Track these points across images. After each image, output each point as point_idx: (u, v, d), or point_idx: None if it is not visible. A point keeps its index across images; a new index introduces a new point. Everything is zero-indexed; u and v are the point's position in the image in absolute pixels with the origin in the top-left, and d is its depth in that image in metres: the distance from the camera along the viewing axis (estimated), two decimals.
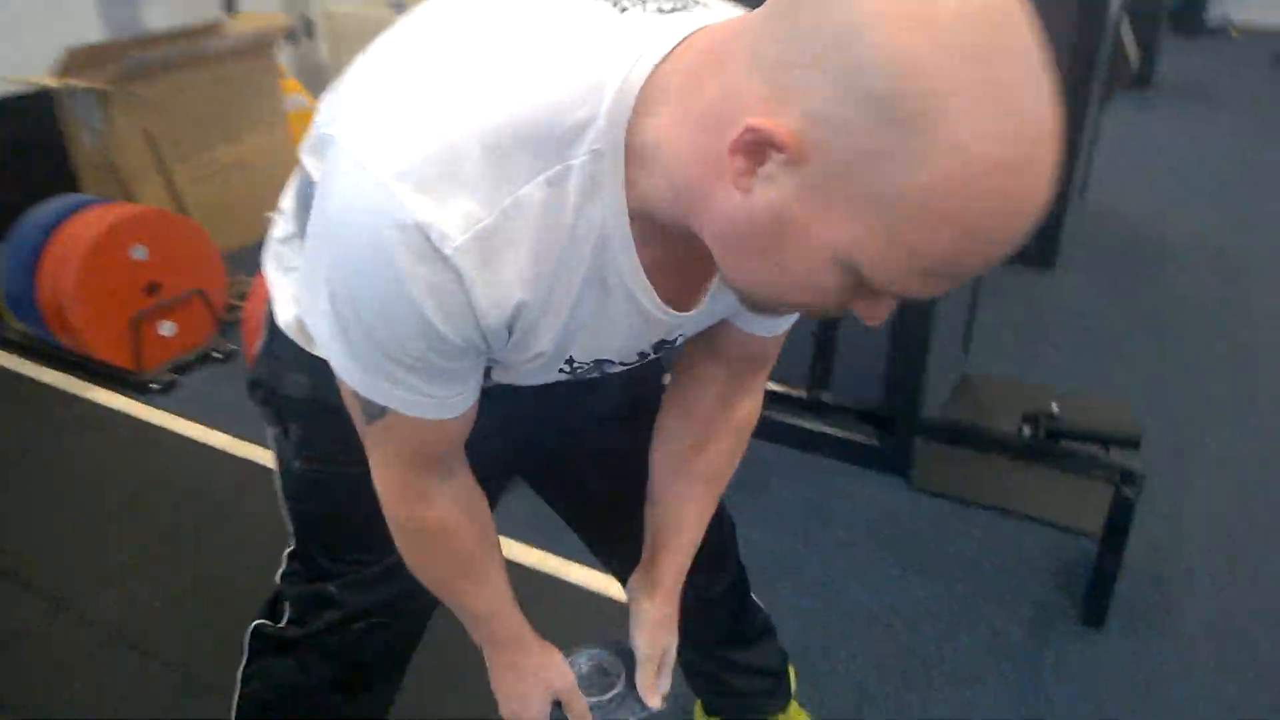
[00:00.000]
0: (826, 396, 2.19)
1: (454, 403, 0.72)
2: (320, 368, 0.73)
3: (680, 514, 0.99)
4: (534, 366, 0.72)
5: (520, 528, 1.67)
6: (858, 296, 0.58)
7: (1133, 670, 1.63)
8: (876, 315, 0.60)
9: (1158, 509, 1.96)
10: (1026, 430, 1.93)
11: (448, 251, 0.58)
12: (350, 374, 0.69)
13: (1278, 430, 2.34)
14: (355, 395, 0.71)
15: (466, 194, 0.58)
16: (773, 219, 0.54)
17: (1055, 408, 1.93)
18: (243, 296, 2.63)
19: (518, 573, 1.74)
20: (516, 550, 1.83)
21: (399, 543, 0.84)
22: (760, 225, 0.55)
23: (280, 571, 1.05)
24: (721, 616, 1.28)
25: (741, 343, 0.89)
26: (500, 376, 0.76)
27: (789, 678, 1.38)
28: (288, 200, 0.89)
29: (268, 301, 0.91)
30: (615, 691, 0.98)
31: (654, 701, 0.97)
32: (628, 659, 1.01)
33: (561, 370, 0.76)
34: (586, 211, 0.61)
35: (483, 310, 0.61)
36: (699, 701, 1.48)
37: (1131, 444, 1.84)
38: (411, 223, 0.57)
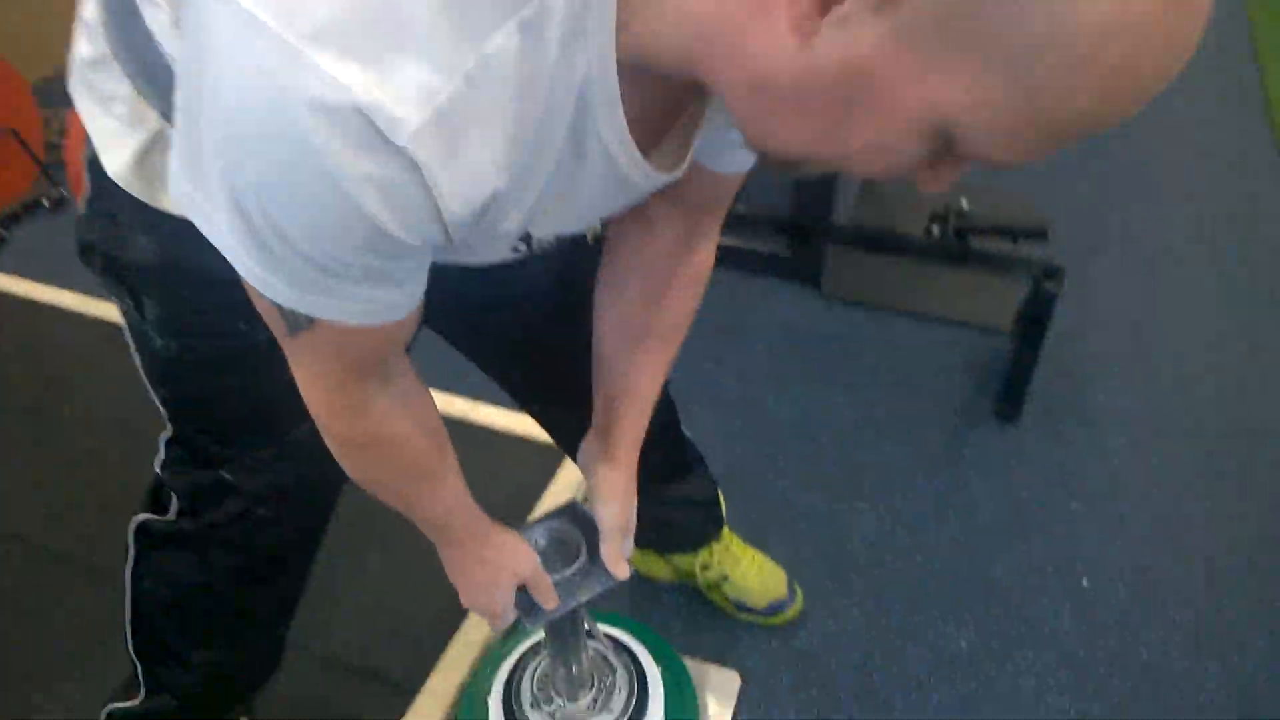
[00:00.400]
0: (736, 207, 2.07)
1: (399, 304, 0.58)
2: (170, 225, 0.58)
3: (635, 377, 0.89)
4: (485, 248, 0.58)
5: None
6: (929, 163, 0.47)
7: (1050, 461, 1.67)
8: (941, 183, 0.49)
9: (1066, 301, 1.95)
10: (935, 229, 1.87)
11: (401, 141, 0.44)
12: (264, 285, 0.53)
13: (1181, 218, 2.37)
14: (273, 306, 0.55)
15: (416, 57, 0.43)
16: (844, 74, 0.43)
17: (965, 203, 1.87)
18: (63, 133, 2.27)
19: None
20: None
21: (338, 458, 0.72)
22: (823, 81, 0.44)
23: (159, 460, 0.92)
24: (654, 453, 1.20)
25: (706, 184, 0.75)
26: (436, 257, 0.61)
27: (720, 504, 1.34)
28: (90, 6, 0.67)
29: (87, 144, 0.72)
30: (579, 564, 0.91)
31: (621, 573, 0.91)
32: (586, 526, 0.94)
33: (515, 250, 0.61)
34: (567, 62, 0.47)
35: (448, 206, 0.49)
36: None
37: (1040, 236, 1.81)
38: (347, 105, 0.42)
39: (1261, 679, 1.32)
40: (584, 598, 0.91)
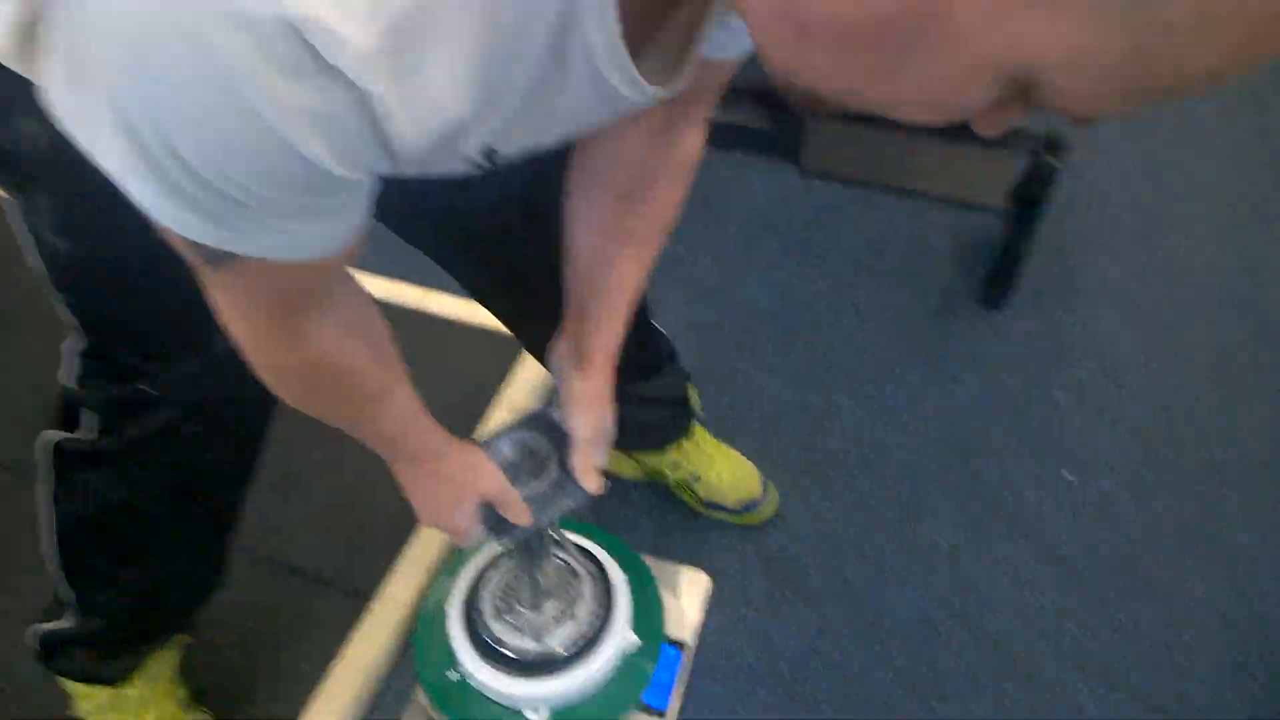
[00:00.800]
0: None
1: (336, 236, 0.49)
2: None
3: (613, 278, 0.80)
4: (439, 167, 0.47)
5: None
6: (991, 109, 0.37)
7: (1036, 349, 1.59)
8: (1000, 128, 0.39)
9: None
10: None
11: (342, 64, 0.35)
12: (168, 218, 0.43)
13: None
14: (183, 239, 0.45)
15: None
16: (908, 10, 0.33)
17: None
18: None
19: None
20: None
21: (270, 386, 0.64)
22: (880, 10, 0.34)
23: (70, 374, 0.81)
24: (624, 351, 1.11)
25: (702, 69, 0.62)
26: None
27: (691, 400, 1.25)
28: None
29: None
30: (550, 478, 0.83)
31: (593, 487, 0.84)
32: (556, 435, 0.85)
33: (477, 168, 0.50)
34: None
35: (399, 136, 0.40)
36: None
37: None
38: (275, 18, 0.33)
39: (1249, 575, 1.29)
40: (555, 513, 0.83)
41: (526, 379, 1.44)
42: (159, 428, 0.81)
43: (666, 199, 0.78)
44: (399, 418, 0.73)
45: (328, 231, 0.48)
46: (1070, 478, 1.40)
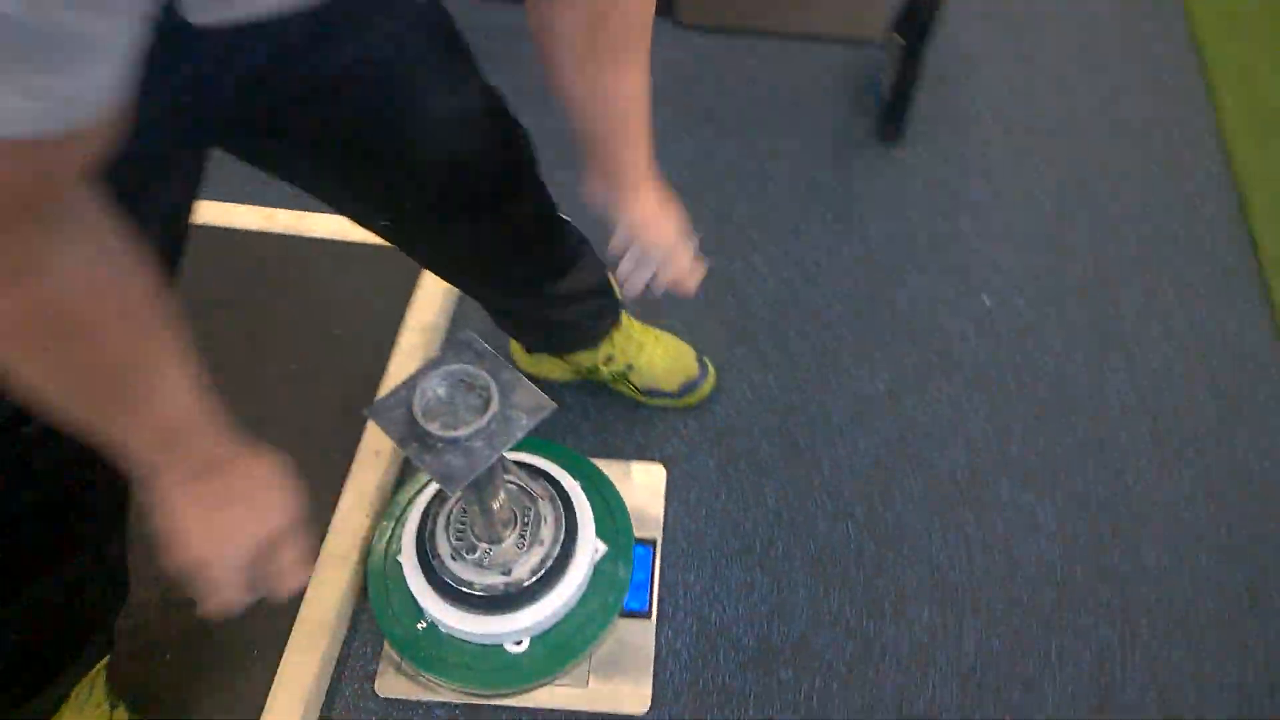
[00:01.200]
0: None
1: (79, 96, 0.36)
2: None
3: (616, 97, 0.79)
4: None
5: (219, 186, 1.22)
6: None
7: (937, 179, 1.58)
8: None
9: None
10: None
11: None
12: None
13: None
14: None
15: None
16: None
17: None
18: None
19: (239, 239, 1.37)
20: (229, 215, 1.39)
21: None
22: None
23: None
24: (535, 250, 1.01)
25: None
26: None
27: (614, 289, 1.18)
28: None
29: None
30: (492, 409, 0.75)
31: (695, 279, 0.94)
32: (491, 362, 0.78)
33: (155, 20, 0.37)
34: None
35: None
36: (515, 342, 1.27)
37: None
38: None
39: (1161, 364, 1.35)
40: (505, 447, 0.75)
41: (431, 295, 1.32)
42: None
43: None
44: (166, 410, 0.57)
45: (65, 88, 0.35)
46: (989, 302, 1.42)
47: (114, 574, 0.89)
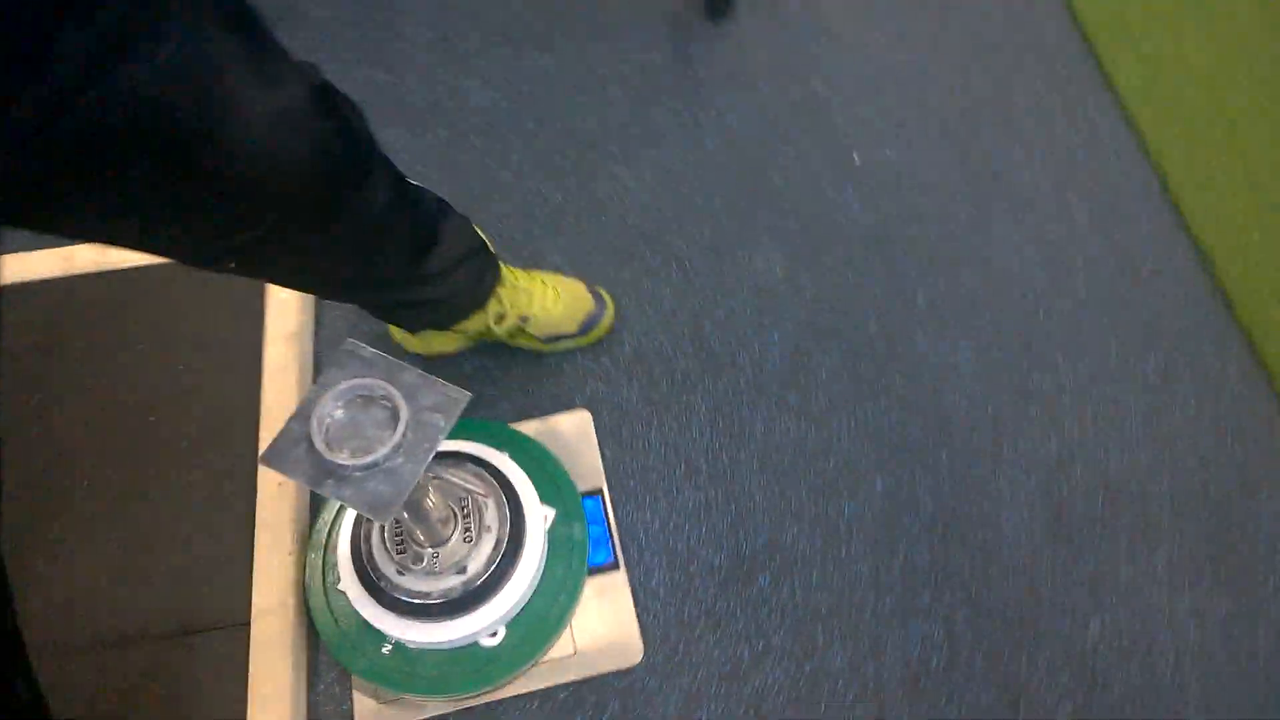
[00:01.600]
0: None
1: None
2: None
3: None
4: None
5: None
6: None
7: (778, 47, 1.52)
8: None
9: None
10: None
11: None
12: None
13: None
14: None
15: None
16: None
17: None
18: None
19: (40, 292, 1.17)
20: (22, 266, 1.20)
21: None
22: None
23: None
24: (398, 235, 0.90)
25: None
26: None
27: (486, 244, 1.08)
28: None
29: None
30: (403, 417, 0.67)
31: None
32: (387, 368, 0.69)
33: None
34: None
35: None
36: (393, 328, 1.16)
37: None
38: None
39: (1030, 185, 1.37)
40: (428, 456, 0.67)
41: (284, 299, 1.19)
42: None
43: None
44: None
45: None
46: (859, 160, 1.40)
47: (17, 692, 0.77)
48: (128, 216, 0.66)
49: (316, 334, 1.21)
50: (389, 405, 0.68)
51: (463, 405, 0.69)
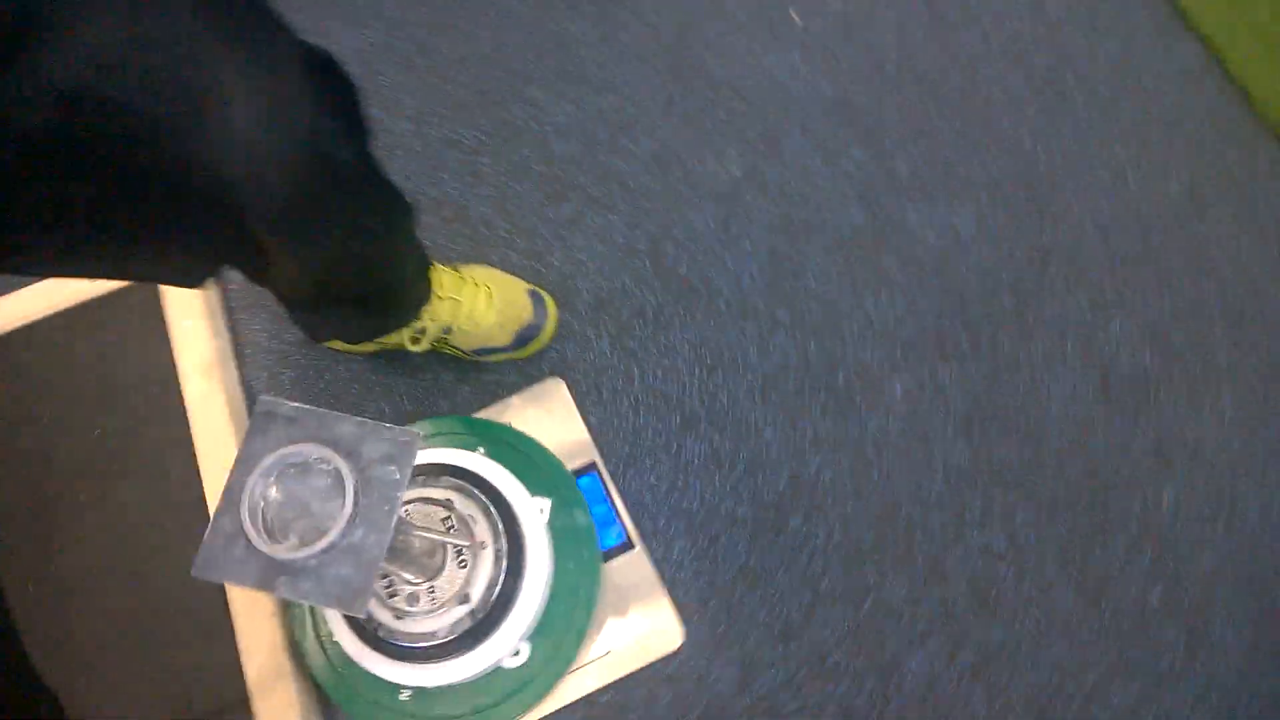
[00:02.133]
0: None
1: None
2: None
3: None
4: None
5: None
6: None
7: None
8: None
9: None
10: None
11: None
12: None
13: None
14: None
15: None
16: None
17: None
18: None
19: None
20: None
21: None
22: None
23: None
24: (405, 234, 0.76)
25: None
26: None
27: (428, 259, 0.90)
28: None
29: None
30: (352, 478, 0.53)
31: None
32: (319, 423, 0.55)
33: None
34: None
35: None
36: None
37: None
38: None
39: (953, 90, 1.20)
40: (393, 516, 0.54)
41: (190, 330, 1.02)
42: None
43: None
44: None
45: None
46: (799, 20, 1.21)
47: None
48: (92, 246, 0.55)
49: (236, 354, 1.05)
50: (329, 468, 0.54)
51: (416, 447, 0.55)
